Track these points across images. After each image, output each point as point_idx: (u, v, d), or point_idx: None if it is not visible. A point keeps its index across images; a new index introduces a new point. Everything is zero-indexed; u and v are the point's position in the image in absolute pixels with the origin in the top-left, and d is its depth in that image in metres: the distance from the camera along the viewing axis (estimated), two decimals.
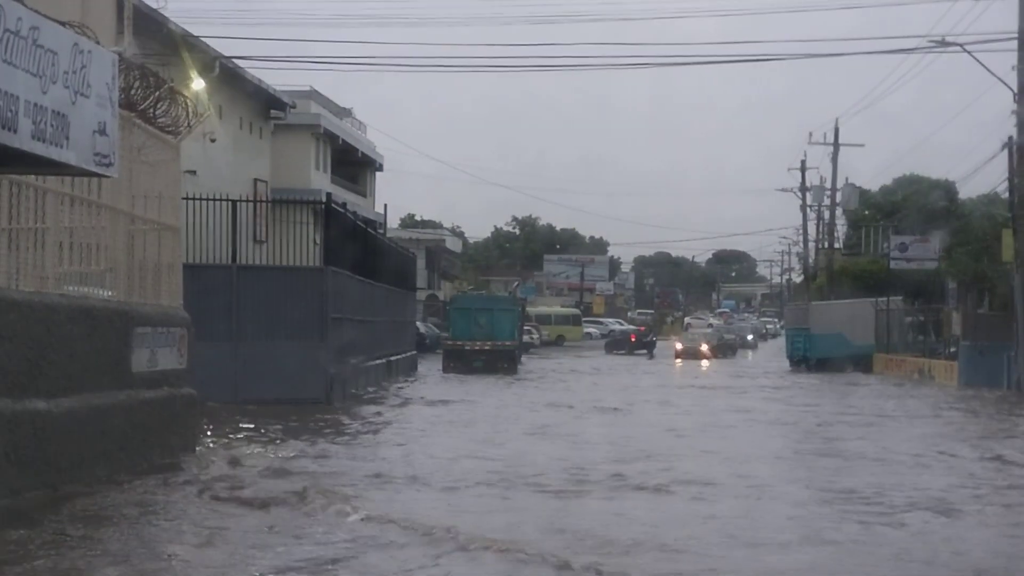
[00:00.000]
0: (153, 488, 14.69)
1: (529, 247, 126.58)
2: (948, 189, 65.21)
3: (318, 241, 32.25)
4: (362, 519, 13.14)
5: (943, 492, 16.24)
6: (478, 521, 13.38)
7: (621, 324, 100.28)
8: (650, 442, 22.27)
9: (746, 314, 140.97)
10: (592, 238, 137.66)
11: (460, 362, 46.34)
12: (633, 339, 72.92)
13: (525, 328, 63.72)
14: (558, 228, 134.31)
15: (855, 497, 15.66)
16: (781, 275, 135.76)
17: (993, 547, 12.72)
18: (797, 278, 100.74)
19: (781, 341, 76.93)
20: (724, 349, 70.85)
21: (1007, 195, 41.63)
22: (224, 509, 13.62)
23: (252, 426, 22.81)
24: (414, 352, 48.37)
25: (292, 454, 18.97)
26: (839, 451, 21.64)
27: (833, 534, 13.09)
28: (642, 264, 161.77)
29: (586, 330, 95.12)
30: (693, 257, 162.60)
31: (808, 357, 56.02)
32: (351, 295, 32.46)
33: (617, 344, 75.08)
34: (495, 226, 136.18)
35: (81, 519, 12.51)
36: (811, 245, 75.03)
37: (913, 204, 65.29)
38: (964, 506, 15.17)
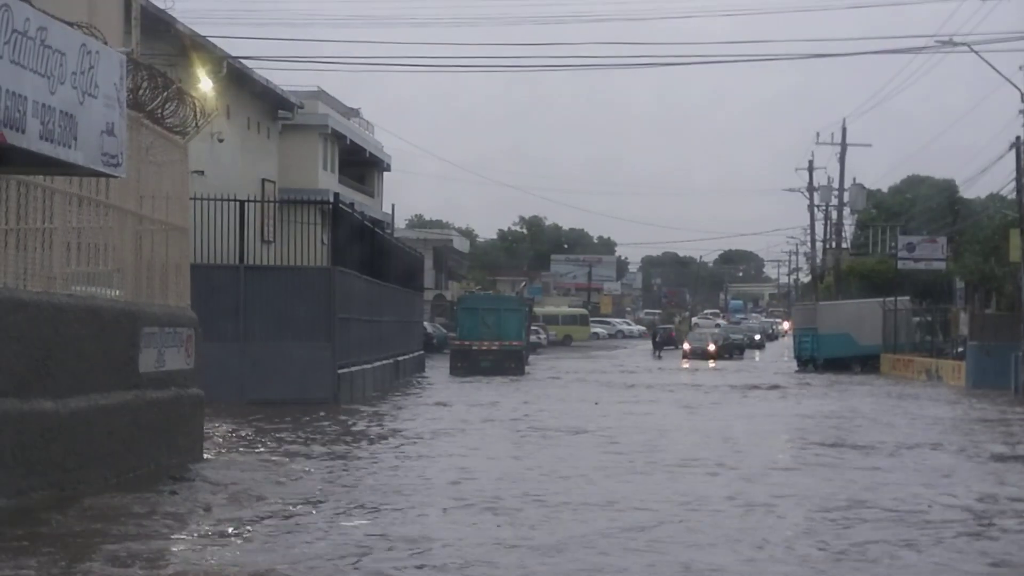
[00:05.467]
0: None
1: (536, 247, 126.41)
2: (952, 189, 65.01)
3: (325, 241, 32.27)
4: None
5: None
6: None
7: (629, 324, 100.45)
8: None
9: (754, 314, 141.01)
10: (600, 238, 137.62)
11: (467, 362, 46.34)
12: (672, 335, 79.12)
13: (532, 328, 63.70)
14: (565, 228, 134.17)
15: None
16: (789, 275, 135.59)
17: None
18: (805, 278, 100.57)
19: (788, 341, 76.71)
20: (731, 349, 70.82)
21: (1015, 195, 41.57)
22: None
23: (256, 428, 22.75)
24: (421, 352, 48.38)
25: (298, 467, 18.07)
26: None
27: None
28: (649, 264, 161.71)
29: (593, 330, 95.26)
30: (700, 257, 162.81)
31: (815, 357, 55.94)
32: (358, 295, 32.46)
33: (664, 342, 74.97)
34: (500, 228, 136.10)
35: None
36: (819, 245, 74.88)
37: (920, 205, 65.17)
38: None
